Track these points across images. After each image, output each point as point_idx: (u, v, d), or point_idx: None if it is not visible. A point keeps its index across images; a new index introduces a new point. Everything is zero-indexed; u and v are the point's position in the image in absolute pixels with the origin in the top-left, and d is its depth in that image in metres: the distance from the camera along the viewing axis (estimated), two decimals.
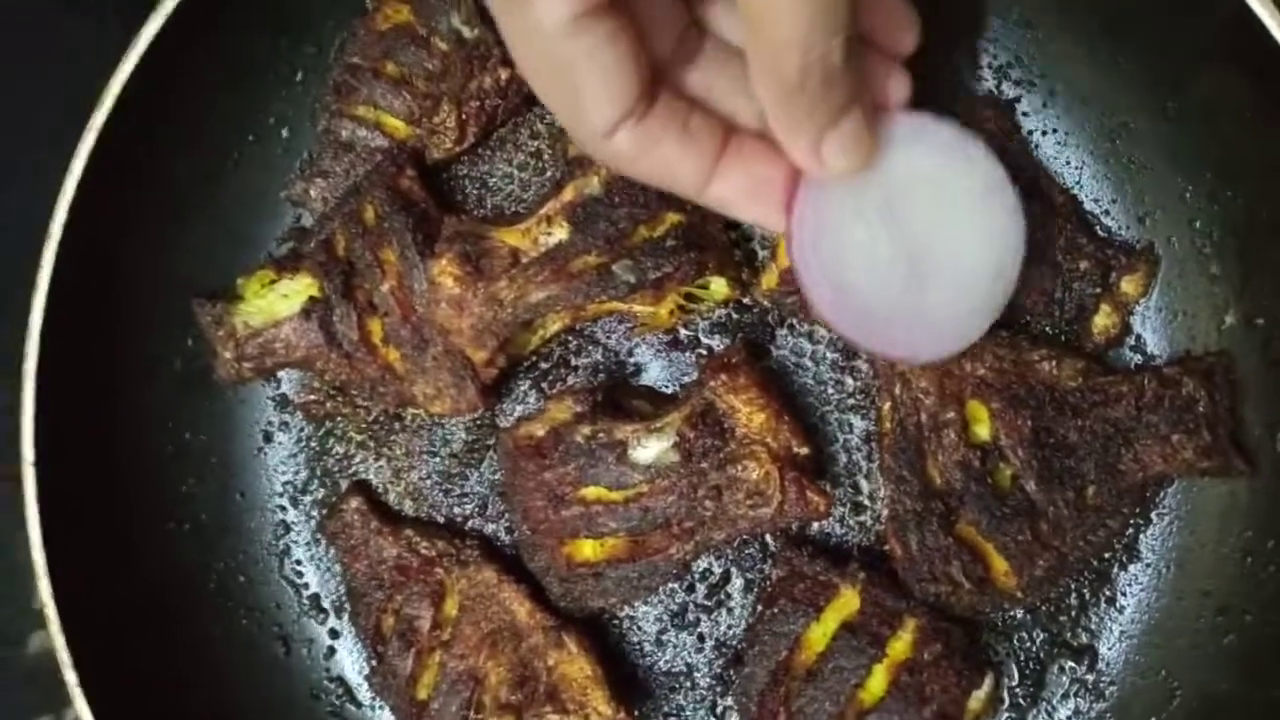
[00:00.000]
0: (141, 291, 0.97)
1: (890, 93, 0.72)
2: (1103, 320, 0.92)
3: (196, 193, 0.99)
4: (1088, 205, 0.95)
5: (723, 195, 0.68)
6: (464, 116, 0.97)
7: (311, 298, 0.95)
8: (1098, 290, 0.92)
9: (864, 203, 0.75)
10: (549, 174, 1.00)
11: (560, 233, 0.90)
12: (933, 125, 0.76)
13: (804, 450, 0.89)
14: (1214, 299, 0.91)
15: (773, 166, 0.68)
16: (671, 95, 0.65)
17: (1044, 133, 0.96)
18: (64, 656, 0.88)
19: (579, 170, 0.90)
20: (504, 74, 0.95)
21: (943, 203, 0.76)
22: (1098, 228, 0.95)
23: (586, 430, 0.91)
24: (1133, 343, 0.95)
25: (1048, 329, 0.93)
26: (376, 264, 0.94)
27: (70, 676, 0.87)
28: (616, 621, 0.98)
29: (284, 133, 1.01)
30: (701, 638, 0.97)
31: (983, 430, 0.89)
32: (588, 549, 0.92)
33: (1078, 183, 0.95)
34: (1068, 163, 0.96)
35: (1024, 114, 0.96)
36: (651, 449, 0.90)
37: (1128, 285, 0.92)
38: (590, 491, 0.91)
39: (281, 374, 1.03)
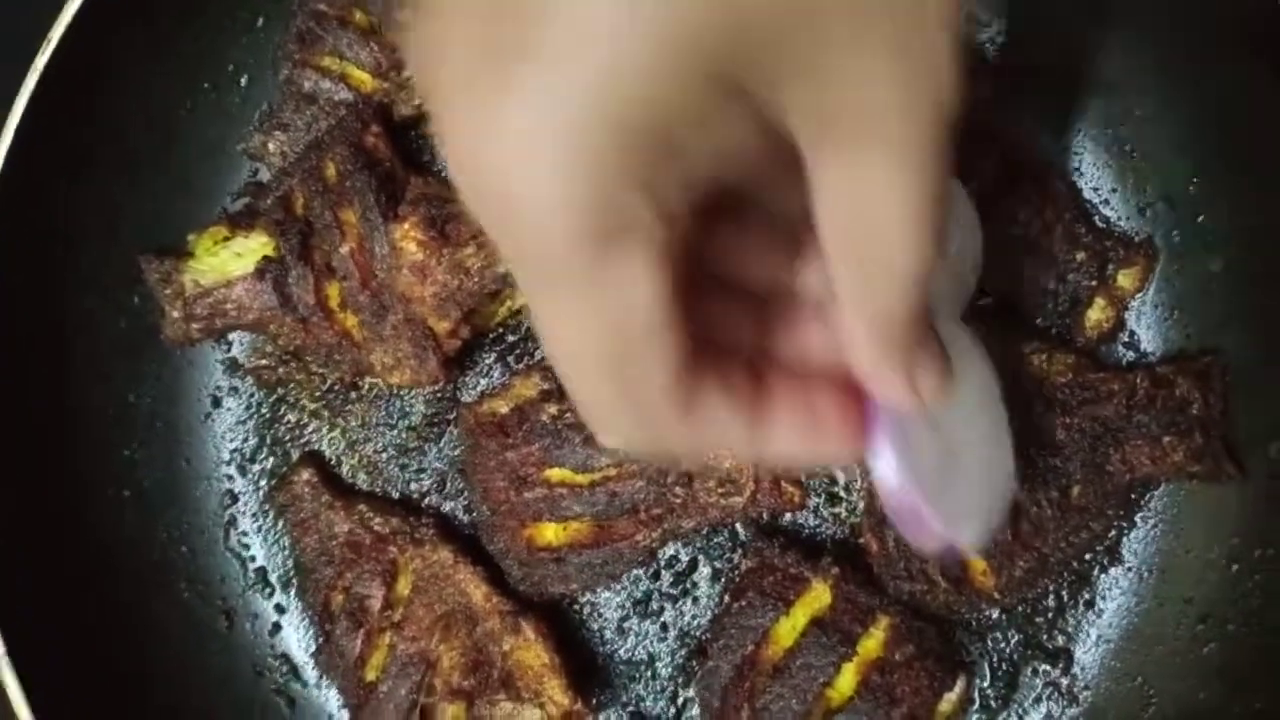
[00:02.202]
0: (86, 246, 0.93)
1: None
2: (1097, 314, 0.90)
3: (147, 143, 0.94)
4: (1087, 194, 0.92)
5: (775, 449, 0.55)
6: None
7: (266, 257, 0.91)
8: (1093, 283, 0.89)
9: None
10: None
11: None
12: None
13: None
14: (1212, 297, 0.89)
15: (824, 395, 0.56)
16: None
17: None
18: None
19: None
20: None
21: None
22: (1096, 218, 0.92)
23: (553, 409, 0.87)
24: (1126, 339, 0.92)
25: (1039, 321, 0.90)
26: (336, 225, 0.89)
27: None
28: (577, 607, 0.95)
29: (242, 81, 0.97)
30: (665, 627, 0.94)
31: None
32: (550, 533, 0.89)
33: (1078, 170, 0.93)
34: (1067, 149, 0.92)
35: None
36: None
37: (1124, 279, 0.90)
38: (555, 473, 0.88)
39: (232, 336, 0.98)
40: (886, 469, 0.68)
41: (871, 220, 0.44)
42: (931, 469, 0.72)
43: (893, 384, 0.55)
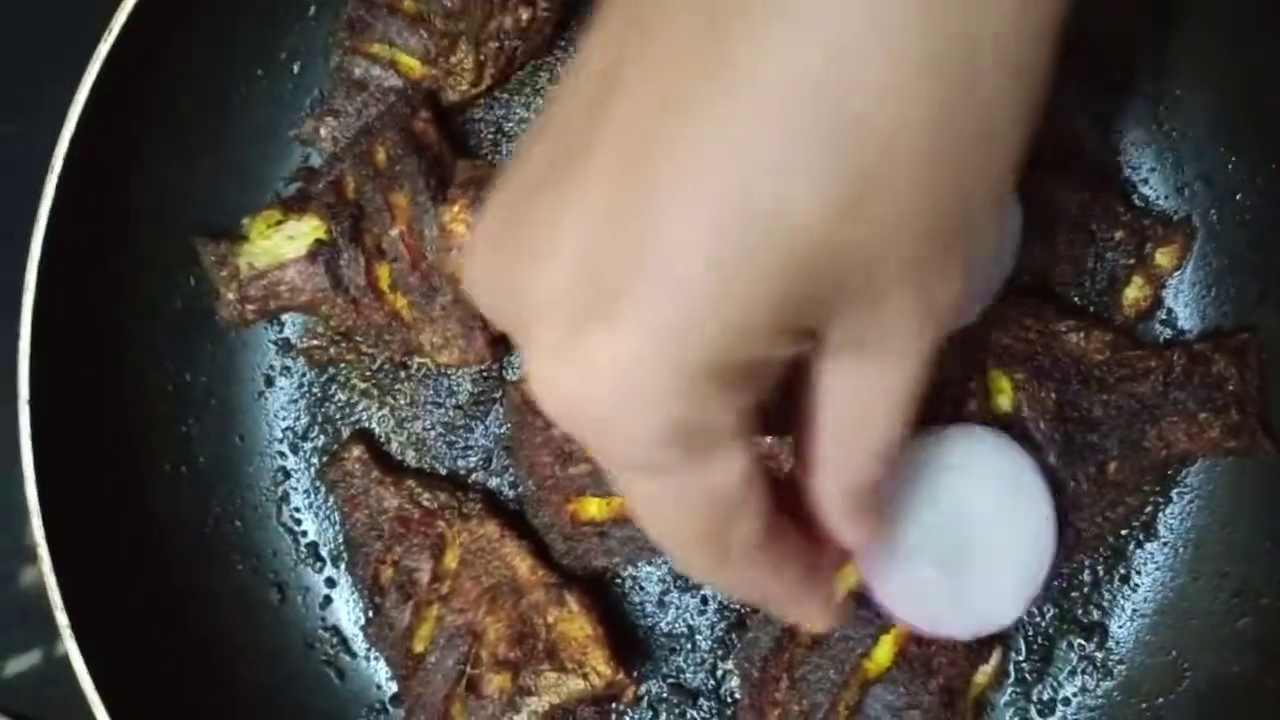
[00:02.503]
0: (144, 229, 0.95)
1: None
2: (1134, 292, 0.90)
3: (202, 129, 0.96)
4: (1126, 173, 0.93)
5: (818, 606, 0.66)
6: (482, 57, 0.94)
7: (318, 240, 0.93)
8: (1131, 261, 0.89)
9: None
10: None
11: None
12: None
13: None
14: (1250, 275, 0.89)
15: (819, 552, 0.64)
16: None
17: None
18: (55, 595, 0.86)
19: None
20: (524, 14, 0.92)
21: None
22: (1135, 197, 0.93)
23: None
24: (1164, 316, 0.93)
25: (1076, 299, 0.91)
26: (386, 208, 0.91)
27: (60, 616, 0.86)
28: (619, 581, 0.96)
29: (295, 69, 0.99)
30: (705, 600, 0.96)
31: (1005, 401, 0.87)
32: (593, 507, 0.90)
33: (1117, 149, 0.93)
34: (1108, 128, 0.93)
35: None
36: None
37: (1162, 257, 0.90)
38: None
39: (285, 318, 1.01)
40: (886, 600, 0.80)
41: (867, 412, 0.51)
42: (936, 575, 0.81)
43: (855, 533, 0.62)
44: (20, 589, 1.09)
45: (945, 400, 0.87)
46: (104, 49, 0.87)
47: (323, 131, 0.98)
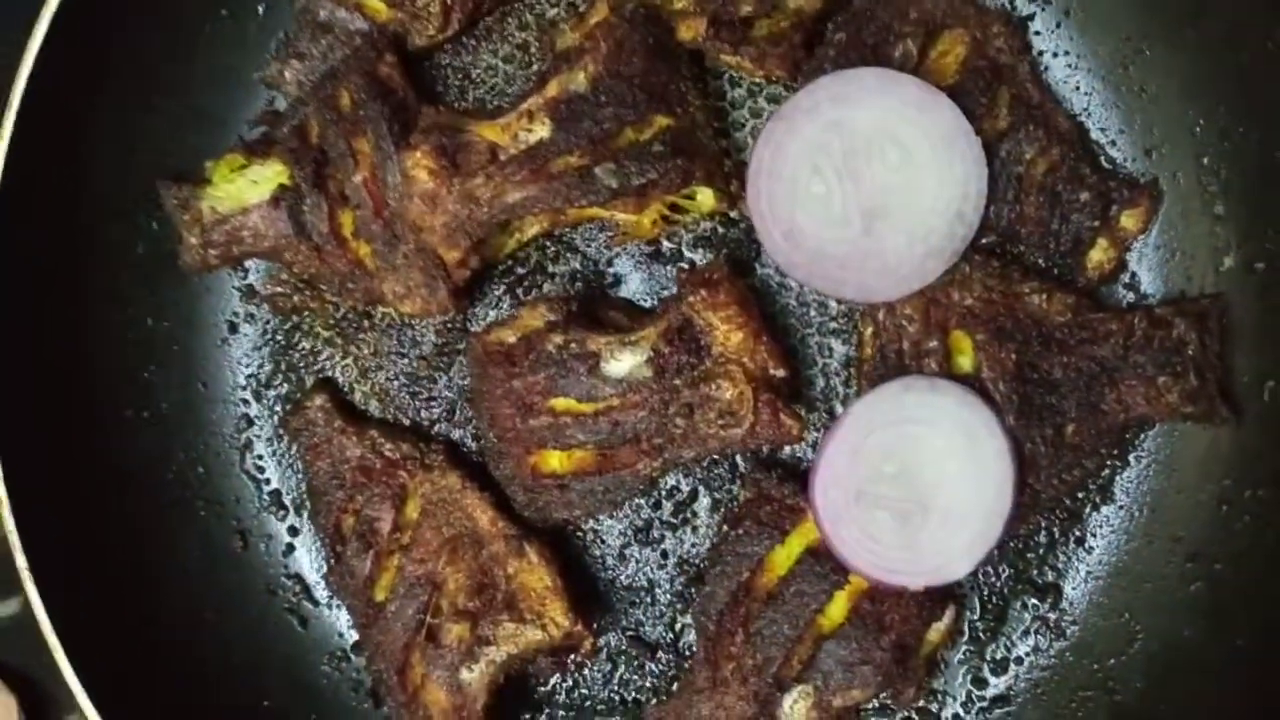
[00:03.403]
0: (104, 171, 0.94)
1: None
2: (1099, 255, 0.90)
3: (165, 69, 0.95)
4: (1094, 134, 0.93)
5: None
6: (449, 1, 0.92)
7: (282, 185, 0.92)
8: (1096, 223, 0.89)
9: (822, 159, 0.85)
10: (535, 69, 0.96)
11: (541, 130, 0.86)
12: (895, 80, 0.83)
13: (781, 372, 0.87)
14: (1215, 240, 0.89)
15: None
16: None
17: (1055, 54, 0.93)
18: (15, 540, 0.86)
19: (565, 65, 0.86)
20: None
21: (903, 154, 0.84)
22: (1102, 159, 0.92)
23: (559, 339, 0.88)
24: (1127, 280, 0.93)
25: (1041, 261, 0.91)
26: (350, 153, 0.90)
27: (21, 560, 0.86)
28: (580, 534, 0.97)
29: (260, 10, 0.97)
30: (665, 554, 0.96)
31: (965, 361, 0.87)
32: (554, 460, 0.90)
33: (1085, 110, 0.93)
34: (1077, 88, 0.92)
35: (1036, 33, 0.92)
36: (624, 362, 0.87)
37: (1128, 220, 0.90)
38: (560, 402, 0.89)
39: (249, 264, 1.00)
40: (841, 547, 0.84)
41: None
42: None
43: None
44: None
45: (907, 358, 0.88)
46: None
47: (287, 75, 0.96)
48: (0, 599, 1.05)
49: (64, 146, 0.91)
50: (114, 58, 0.92)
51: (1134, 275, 0.92)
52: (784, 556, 0.87)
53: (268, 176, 0.93)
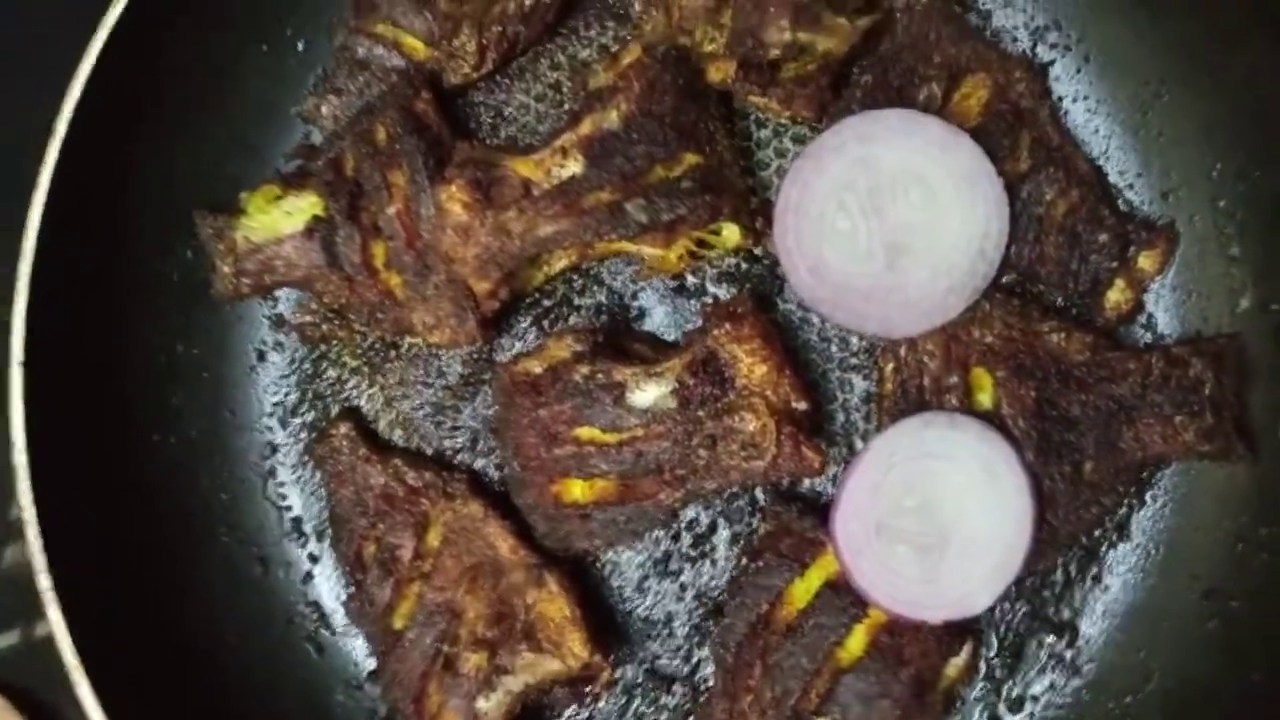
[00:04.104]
0: (143, 199, 0.96)
1: None
2: (1116, 295, 0.91)
3: (206, 102, 0.97)
4: (1112, 177, 0.94)
5: None
6: (484, 41, 0.95)
7: (316, 217, 0.94)
8: (1114, 264, 0.91)
9: (848, 195, 0.87)
10: (566, 107, 0.98)
11: (574, 166, 0.88)
12: (919, 121, 0.86)
13: (803, 406, 0.88)
14: (1231, 281, 0.91)
15: None
16: None
17: (1074, 99, 0.95)
18: (39, 563, 0.86)
19: (598, 104, 0.88)
20: (528, 0, 0.93)
21: (926, 193, 0.86)
22: (1120, 201, 0.94)
23: (585, 370, 0.90)
24: (1144, 320, 0.94)
25: (1059, 300, 0.92)
26: (384, 186, 0.92)
27: (44, 582, 0.86)
28: (599, 565, 0.97)
29: (299, 46, 1.00)
30: (683, 587, 0.96)
31: (985, 398, 0.88)
32: (577, 489, 0.91)
33: (1104, 153, 0.95)
34: (1096, 131, 0.95)
35: (1056, 79, 0.95)
36: (649, 393, 0.89)
37: (1145, 261, 0.91)
38: (584, 432, 0.90)
39: (279, 293, 1.02)
40: (861, 581, 0.85)
41: None
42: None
43: None
44: (3, 568, 1.09)
45: (927, 394, 0.89)
46: (110, 18, 0.88)
47: (324, 109, 0.99)
48: (9, 625, 1.06)
49: (104, 176, 0.93)
50: (156, 90, 0.94)
51: (1151, 315, 0.94)
52: (803, 590, 0.88)
53: (302, 208, 0.95)
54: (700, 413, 0.88)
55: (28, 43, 1.08)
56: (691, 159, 0.88)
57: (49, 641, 0.86)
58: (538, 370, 0.91)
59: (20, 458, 0.88)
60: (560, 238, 0.88)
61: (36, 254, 0.88)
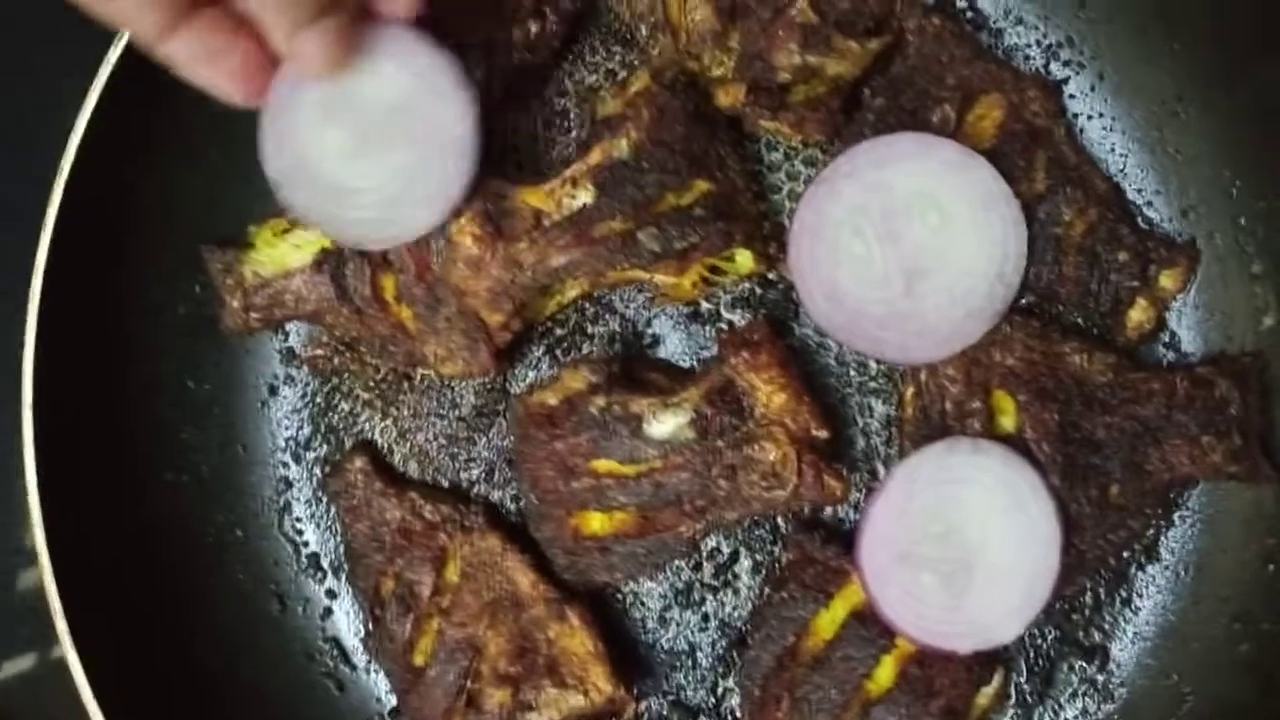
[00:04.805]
0: (150, 233, 0.95)
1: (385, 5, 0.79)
2: (1138, 315, 0.90)
3: (212, 135, 0.96)
4: (1130, 195, 0.93)
5: (173, 53, 0.75)
6: (491, 71, 0.94)
7: (324, 249, 0.93)
8: (1135, 284, 0.90)
9: (863, 220, 0.86)
10: (574, 134, 0.97)
11: (585, 196, 0.87)
12: (933, 144, 0.85)
13: (823, 433, 0.87)
14: (1253, 299, 0.90)
15: (229, 41, 0.75)
16: None
17: (1090, 117, 0.94)
18: (54, 602, 0.86)
19: (607, 132, 0.87)
20: (534, 27, 0.92)
21: (942, 216, 0.85)
22: (1139, 219, 0.93)
23: (601, 401, 0.89)
24: (1167, 339, 0.93)
25: (1080, 321, 0.91)
26: None
27: (60, 623, 0.86)
28: (620, 596, 0.96)
29: None
30: (706, 617, 0.95)
31: (1008, 422, 0.87)
32: (596, 522, 0.90)
33: (1121, 171, 0.94)
34: (1112, 150, 0.94)
35: (1071, 96, 0.94)
36: (667, 424, 0.88)
37: (1166, 280, 0.90)
38: (602, 464, 0.89)
39: (290, 326, 1.01)
40: (888, 610, 0.84)
41: None
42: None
43: (274, 35, 0.71)
44: (18, 592, 1.09)
45: (949, 419, 0.88)
46: (115, 53, 0.87)
47: None
48: (16, 653, 1.05)
49: (111, 210, 0.92)
50: (163, 122, 0.93)
51: (1174, 335, 0.93)
52: (829, 620, 0.87)
53: (310, 241, 0.94)
54: (719, 443, 0.87)
55: (32, 76, 1.08)
56: (703, 186, 0.87)
57: (65, 666, 0.85)
58: (553, 402, 0.91)
59: (33, 499, 0.87)
60: (572, 268, 0.87)
61: (43, 294, 0.88)
